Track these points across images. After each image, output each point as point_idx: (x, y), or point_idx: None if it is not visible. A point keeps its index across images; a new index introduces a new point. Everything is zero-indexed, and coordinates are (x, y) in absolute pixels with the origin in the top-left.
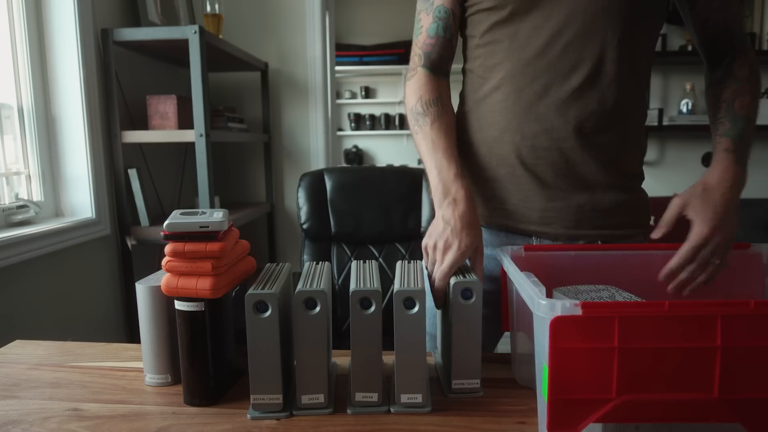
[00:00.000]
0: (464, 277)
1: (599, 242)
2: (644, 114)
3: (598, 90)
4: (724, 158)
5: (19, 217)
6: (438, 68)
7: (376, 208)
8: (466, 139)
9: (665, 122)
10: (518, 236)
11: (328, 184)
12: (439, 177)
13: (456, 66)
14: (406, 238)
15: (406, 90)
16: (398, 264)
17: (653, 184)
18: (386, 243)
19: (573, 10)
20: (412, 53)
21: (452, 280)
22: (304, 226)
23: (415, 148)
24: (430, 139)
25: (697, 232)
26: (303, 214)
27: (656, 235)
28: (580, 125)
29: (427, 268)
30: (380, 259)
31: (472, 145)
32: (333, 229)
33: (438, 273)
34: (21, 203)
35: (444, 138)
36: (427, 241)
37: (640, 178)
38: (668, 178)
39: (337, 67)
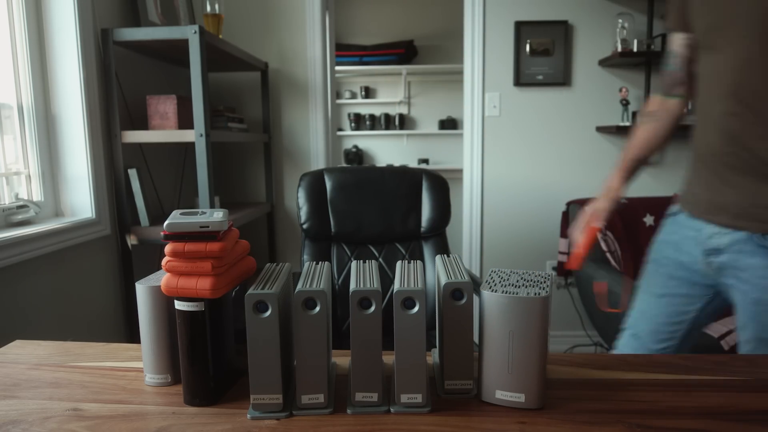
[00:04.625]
0: (455, 278)
1: None
2: None
3: None
4: None
5: (19, 217)
6: (666, 92)
7: (376, 208)
8: None
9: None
10: None
11: (328, 184)
12: (619, 159)
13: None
14: (407, 238)
15: None
16: (398, 264)
17: (653, 184)
18: (386, 243)
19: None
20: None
21: (443, 280)
22: (304, 226)
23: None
24: (634, 136)
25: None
26: (303, 214)
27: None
28: None
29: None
30: (380, 259)
31: None
32: (333, 229)
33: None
34: (21, 203)
35: (641, 140)
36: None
37: None
38: (669, 178)
39: (337, 67)
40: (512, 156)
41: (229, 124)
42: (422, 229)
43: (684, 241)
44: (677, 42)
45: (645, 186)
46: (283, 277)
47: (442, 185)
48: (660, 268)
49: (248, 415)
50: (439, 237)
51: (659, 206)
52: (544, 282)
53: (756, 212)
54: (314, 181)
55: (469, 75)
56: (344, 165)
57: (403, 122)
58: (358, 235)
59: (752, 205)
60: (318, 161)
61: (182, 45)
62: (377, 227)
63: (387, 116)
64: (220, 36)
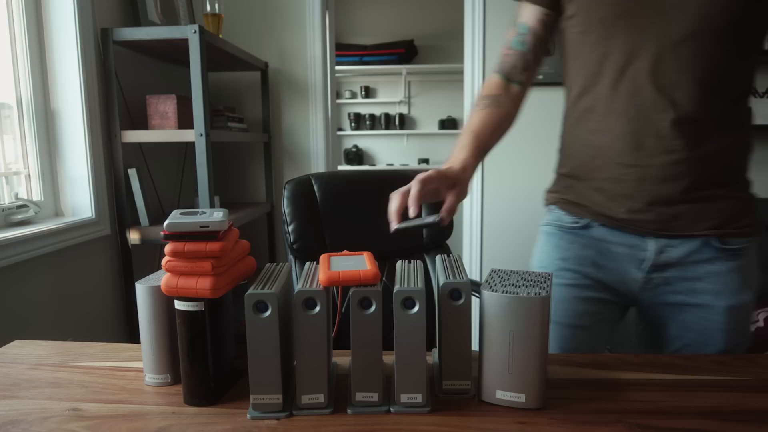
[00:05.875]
0: (454, 278)
1: None
2: None
3: None
4: None
5: (19, 217)
6: (508, 76)
7: (374, 220)
8: None
9: None
10: None
11: (318, 193)
12: (456, 145)
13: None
14: (408, 252)
15: None
16: (398, 264)
17: None
18: (387, 259)
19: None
20: (501, 50)
21: (441, 280)
22: (295, 246)
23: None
24: (471, 121)
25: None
26: (292, 232)
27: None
28: None
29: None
30: (384, 279)
31: None
32: (328, 249)
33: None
34: (21, 203)
35: (478, 123)
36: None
37: None
38: None
39: (337, 67)
40: (512, 156)
41: (229, 123)
42: (424, 241)
43: (608, 257)
44: (532, 16)
45: None
46: (283, 277)
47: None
48: (569, 291)
49: (248, 415)
50: (441, 250)
51: None
52: (544, 282)
53: (712, 215)
54: (302, 191)
55: (469, 75)
56: (339, 167)
57: (403, 122)
58: (357, 249)
59: (704, 209)
60: (318, 161)
61: (182, 45)
62: (376, 242)
63: (387, 116)
64: (220, 36)
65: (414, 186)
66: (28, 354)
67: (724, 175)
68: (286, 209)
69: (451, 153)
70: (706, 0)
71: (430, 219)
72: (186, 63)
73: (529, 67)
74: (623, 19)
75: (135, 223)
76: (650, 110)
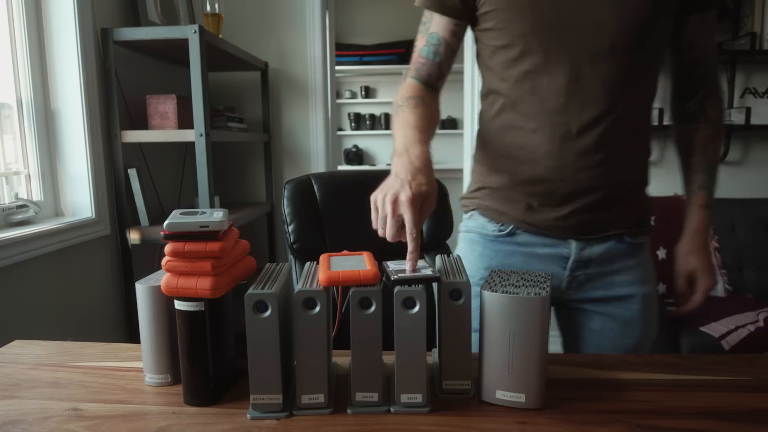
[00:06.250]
0: (454, 277)
1: None
2: None
3: None
4: (704, 216)
5: (19, 217)
6: (426, 83)
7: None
8: None
9: (666, 122)
10: None
11: (318, 193)
12: (402, 141)
13: None
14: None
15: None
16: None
17: (654, 184)
18: (386, 260)
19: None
20: (412, 58)
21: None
22: (295, 246)
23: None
24: (404, 118)
25: (706, 283)
26: (292, 232)
27: (687, 309)
28: None
29: (379, 223)
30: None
31: None
32: (328, 249)
33: (387, 228)
34: (21, 203)
35: (418, 119)
36: (375, 195)
37: None
38: (669, 178)
39: (337, 67)
40: None
41: (229, 123)
42: (424, 240)
43: (534, 260)
44: (443, 26)
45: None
46: (283, 277)
47: (441, 192)
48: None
49: (248, 415)
50: (440, 249)
51: (658, 206)
52: (544, 282)
53: (625, 217)
54: (302, 191)
55: (469, 75)
56: (339, 167)
57: None
58: (358, 249)
59: (620, 212)
60: (318, 161)
61: (182, 45)
62: (376, 242)
63: (387, 116)
64: (220, 36)
65: (410, 212)
66: (28, 354)
67: (636, 180)
68: (286, 209)
69: (400, 149)
70: (623, 17)
71: (429, 273)
72: (186, 63)
73: (443, 76)
74: (543, 35)
75: (135, 223)
76: (570, 124)
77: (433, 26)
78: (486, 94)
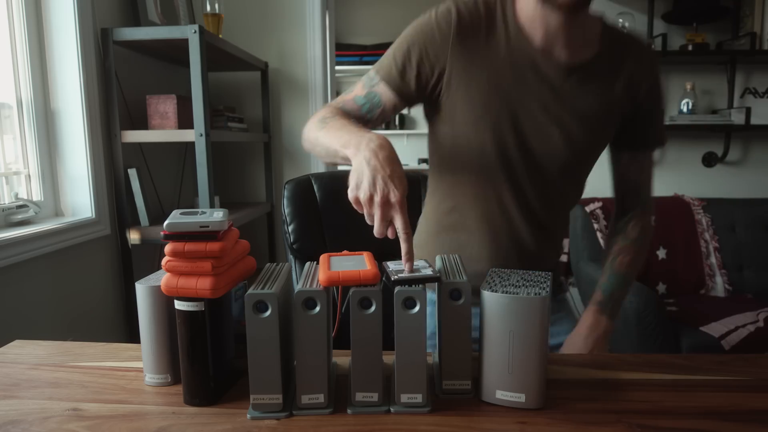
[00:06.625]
0: (454, 277)
1: None
2: None
3: None
4: (594, 312)
5: (19, 217)
6: (347, 116)
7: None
8: None
9: (666, 122)
10: None
11: (318, 193)
12: (350, 135)
13: None
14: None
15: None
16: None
17: (655, 184)
18: (386, 260)
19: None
20: (336, 99)
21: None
22: (295, 246)
23: (317, 152)
24: (338, 124)
25: None
26: (292, 232)
27: None
28: None
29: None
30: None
31: None
32: (328, 249)
33: (376, 227)
34: (21, 203)
35: (354, 122)
36: (356, 193)
37: None
38: (669, 178)
39: (337, 67)
40: None
41: (229, 123)
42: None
43: None
44: (388, 96)
45: None
46: (283, 277)
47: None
48: None
49: (248, 415)
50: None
51: (659, 206)
52: (544, 282)
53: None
54: (302, 191)
55: None
56: (339, 168)
57: (403, 122)
58: (357, 249)
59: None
60: (318, 161)
61: (182, 45)
62: (376, 242)
63: None
64: (220, 36)
65: (401, 214)
66: (28, 354)
67: (559, 254)
68: (286, 209)
69: (354, 140)
70: (570, 150)
71: (429, 273)
72: (186, 63)
73: (366, 126)
74: (496, 164)
75: (135, 223)
76: (510, 228)
77: (379, 88)
78: (437, 182)
